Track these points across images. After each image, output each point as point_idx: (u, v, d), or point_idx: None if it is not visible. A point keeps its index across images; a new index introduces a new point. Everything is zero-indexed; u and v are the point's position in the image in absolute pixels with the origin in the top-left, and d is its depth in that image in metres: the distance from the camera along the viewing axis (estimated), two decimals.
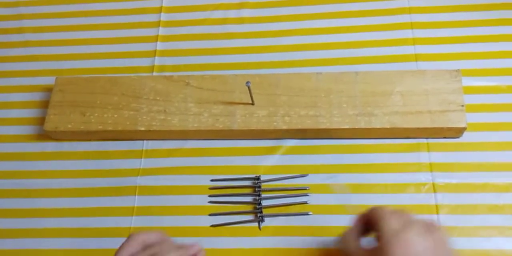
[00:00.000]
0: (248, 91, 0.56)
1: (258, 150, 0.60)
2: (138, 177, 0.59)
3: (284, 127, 0.57)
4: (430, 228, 0.42)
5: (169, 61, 0.67)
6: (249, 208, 0.57)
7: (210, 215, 0.57)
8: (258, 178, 0.57)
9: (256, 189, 0.57)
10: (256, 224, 0.56)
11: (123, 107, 0.61)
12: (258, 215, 0.56)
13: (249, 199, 0.58)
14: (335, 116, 0.57)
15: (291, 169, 0.58)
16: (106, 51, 0.69)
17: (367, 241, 0.45)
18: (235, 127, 0.58)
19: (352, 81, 0.59)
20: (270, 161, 0.59)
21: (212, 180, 0.58)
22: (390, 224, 0.43)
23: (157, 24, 0.70)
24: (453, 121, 0.56)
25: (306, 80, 0.60)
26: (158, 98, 0.61)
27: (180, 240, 0.55)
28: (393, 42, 0.64)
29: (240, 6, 0.70)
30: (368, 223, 0.45)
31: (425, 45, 0.64)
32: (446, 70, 0.59)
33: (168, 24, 0.70)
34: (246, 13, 0.69)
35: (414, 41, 0.64)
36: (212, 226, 0.56)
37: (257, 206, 0.56)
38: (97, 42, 0.70)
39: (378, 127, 0.56)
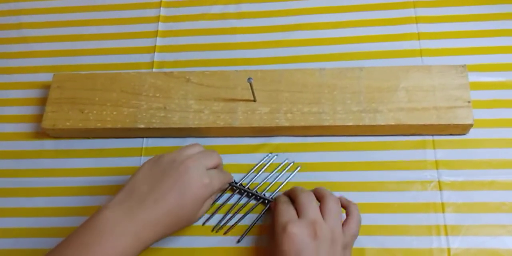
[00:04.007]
0: (250, 88, 0.55)
1: (260, 148, 0.58)
2: None
3: (287, 124, 0.56)
4: (316, 226, 0.46)
5: (169, 57, 0.66)
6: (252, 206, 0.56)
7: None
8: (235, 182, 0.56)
9: (247, 192, 0.56)
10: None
11: (122, 104, 0.59)
12: (266, 201, 0.55)
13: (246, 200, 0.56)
14: (338, 112, 0.56)
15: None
16: (104, 47, 0.67)
17: None
18: (237, 124, 0.57)
19: (356, 76, 0.58)
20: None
21: None
22: (283, 216, 0.48)
23: (157, 19, 0.69)
24: (459, 117, 0.55)
25: (309, 76, 0.59)
26: (158, 95, 0.60)
27: (180, 239, 0.55)
28: (398, 37, 0.63)
29: (239, 0, 0.69)
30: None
31: (431, 40, 0.63)
32: (452, 65, 0.58)
33: (168, 19, 0.69)
34: (246, 7, 0.68)
35: (419, 36, 0.63)
36: (214, 231, 0.55)
37: (260, 197, 0.55)
38: (96, 37, 0.68)
39: (382, 124, 0.55)
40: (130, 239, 0.44)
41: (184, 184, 0.47)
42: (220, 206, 0.56)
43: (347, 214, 0.49)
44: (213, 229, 0.55)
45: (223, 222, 0.55)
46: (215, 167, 0.52)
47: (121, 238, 0.44)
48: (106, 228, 0.44)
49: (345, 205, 0.50)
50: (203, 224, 0.55)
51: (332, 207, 0.48)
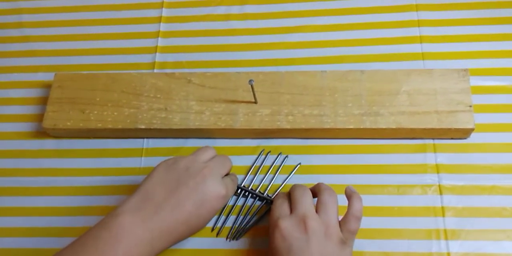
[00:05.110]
0: (251, 89, 0.55)
1: (260, 150, 0.58)
2: (139, 176, 0.58)
3: (288, 127, 0.56)
4: (307, 220, 0.46)
5: (170, 57, 0.66)
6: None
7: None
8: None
9: (251, 193, 0.56)
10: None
11: (123, 104, 0.59)
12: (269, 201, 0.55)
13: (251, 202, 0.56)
14: (340, 115, 0.56)
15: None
16: (106, 47, 0.67)
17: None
18: (238, 126, 0.57)
19: (357, 79, 0.58)
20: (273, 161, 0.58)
21: None
22: (275, 212, 0.49)
23: (159, 19, 0.69)
24: (461, 121, 0.55)
25: (311, 78, 0.59)
26: (159, 96, 0.59)
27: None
28: (400, 40, 0.63)
29: (243, 2, 0.68)
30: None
31: (433, 43, 0.62)
32: (454, 69, 0.57)
33: (170, 19, 0.69)
34: (249, 9, 0.68)
35: (421, 39, 0.63)
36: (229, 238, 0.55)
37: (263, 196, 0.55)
38: (97, 37, 0.68)
39: (383, 127, 0.55)
40: (144, 247, 0.44)
41: (202, 194, 0.48)
42: (223, 210, 0.56)
43: (347, 208, 0.48)
44: (227, 237, 0.54)
45: (237, 226, 0.54)
46: (227, 174, 0.53)
47: (136, 246, 0.44)
48: (122, 236, 0.44)
49: (347, 196, 0.49)
50: (217, 232, 0.55)
51: (327, 201, 0.48)
